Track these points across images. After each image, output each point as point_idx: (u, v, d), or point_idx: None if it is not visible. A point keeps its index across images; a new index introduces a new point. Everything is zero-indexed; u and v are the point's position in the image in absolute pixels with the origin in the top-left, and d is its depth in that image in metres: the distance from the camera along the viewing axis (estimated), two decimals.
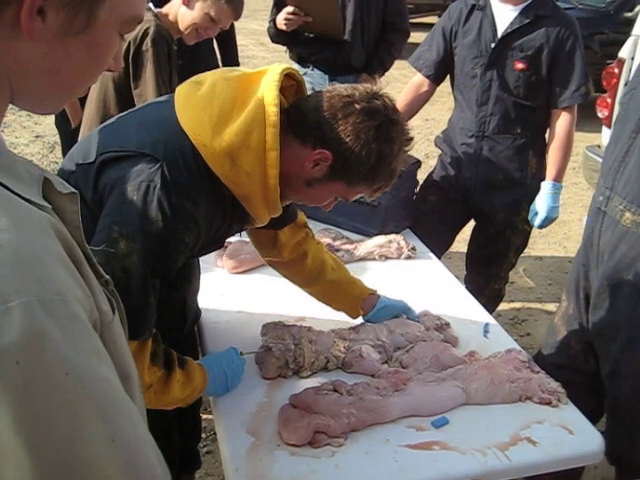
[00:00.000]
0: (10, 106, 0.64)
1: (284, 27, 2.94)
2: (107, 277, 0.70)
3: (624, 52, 4.03)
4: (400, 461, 1.33)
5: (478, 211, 2.65)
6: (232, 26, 2.87)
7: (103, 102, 2.27)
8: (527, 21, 2.36)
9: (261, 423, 1.41)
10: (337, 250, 2.15)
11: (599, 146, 4.13)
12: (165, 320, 1.33)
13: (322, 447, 1.35)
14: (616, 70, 4.04)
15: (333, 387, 1.48)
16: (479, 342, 1.76)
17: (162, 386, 1.30)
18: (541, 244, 4.27)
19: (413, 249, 2.26)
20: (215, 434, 2.25)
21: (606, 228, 1.72)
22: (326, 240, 2.17)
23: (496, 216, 2.58)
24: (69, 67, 0.62)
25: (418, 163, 2.52)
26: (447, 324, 1.78)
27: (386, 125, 1.26)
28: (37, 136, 5.40)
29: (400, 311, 1.78)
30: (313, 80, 3.09)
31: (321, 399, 1.42)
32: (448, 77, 2.64)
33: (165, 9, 2.27)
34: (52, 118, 3.69)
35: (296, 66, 3.07)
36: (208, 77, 1.29)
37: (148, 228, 1.17)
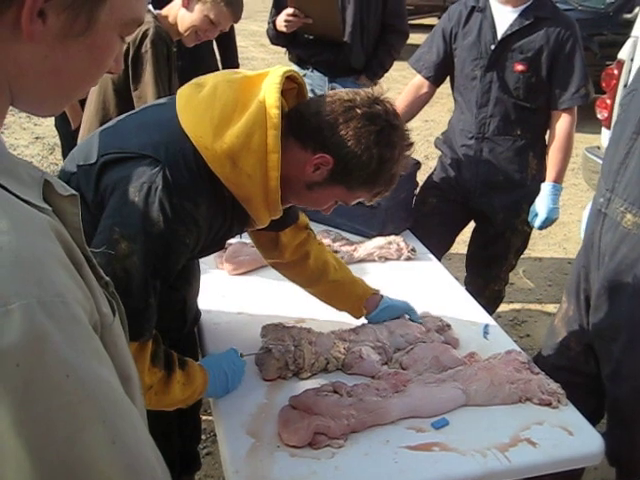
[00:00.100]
0: (10, 107, 0.64)
1: (284, 29, 2.94)
2: (107, 279, 0.70)
3: (623, 53, 4.03)
4: (400, 462, 1.33)
5: (478, 212, 2.65)
6: (232, 28, 2.87)
7: (102, 104, 2.28)
8: (527, 23, 2.36)
9: (261, 424, 1.41)
10: (336, 252, 2.15)
11: (598, 147, 4.13)
12: (165, 321, 1.34)
13: (322, 448, 1.35)
14: (615, 71, 4.04)
15: (333, 388, 1.48)
16: (479, 343, 1.76)
17: (162, 387, 1.30)
18: (541, 245, 4.27)
19: (413, 250, 2.26)
20: (215, 435, 2.25)
21: (607, 230, 1.72)
22: (326, 241, 2.18)
23: (496, 217, 2.58)
24: (69, 69, 0.62)
25: (418, 165, 2.52)
26: (448, 325, 1.78)
27: (387, 130, 1.27)
28: (37, 138, 5.41)
29: (403, 312, 1.78)
30: (313, 82, 3.09)
31: (321, 400, 1.42)
32: (448, 78, 2.65)
33: (165, 11, 2.28)
34: (52, 120, 3.70)
35: (295, 68, 3.07)
36: (209, 79, 1.29)
37: (149, 229, 1.18)
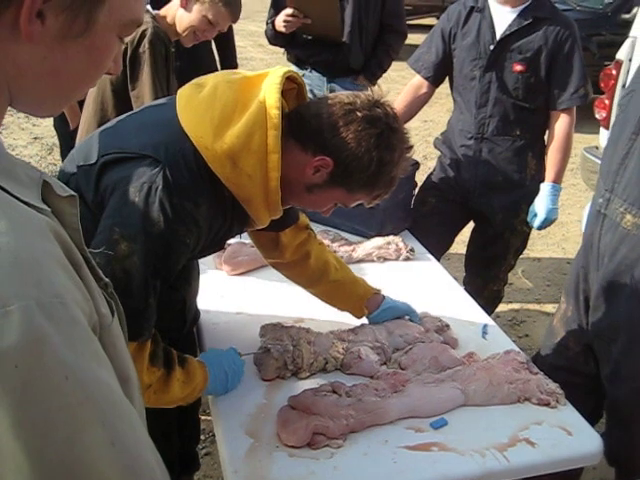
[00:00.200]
0: (8, 108, 0.64)
1: (283, 29, 2.94)
2: (106, 280, 0.70)
3: (622, 54, 4.03)
4: (399, 462, 1.33)
5: (477, 213, 2.65)
6: (230, 28, 2.88)
7: (101, 104, 2.28)
8: (526, 23, 2.36)
9: (260, 424, 1.41)
10: (335, 252, 2.15)
11: (597, 147, 4.13)
12: (165, 321, 1.34)
13: (321, 448, 1.35)
14: (614, 72, 4.04)
15: (332, 388, 1.48)
16: (478, 343, 1.76)
17: (162, 385, 1.30)
18: (539, 245, 4.27)
19: (411, 250, 2.26)
20: (214, 436, 2.25)
21: (606, 230, 1.72)
22: (324, 242, 2.17)
23: (495, 218, 2.58)
24: (68, 70, 0.62)
25: (417, 165, 2.52)
26: (447, 325, 1.78)
27: (387, 133, 1.27)
28: (35, 138, 5.40)
29: (404, 313, 1.79)
30: (311, 82, 3.09)
31: (320, 400, 1.42)
32: (447, 78, 2.65)
33: (163, 11, 2.28)
34: (50, 120, 3.70)
35: (294, 68, 3.07)
36: (210, 79, 1.30)
37: (150, 229, 1.18)
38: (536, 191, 2.43)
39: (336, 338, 1.64)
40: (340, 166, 1.27)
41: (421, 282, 2.10)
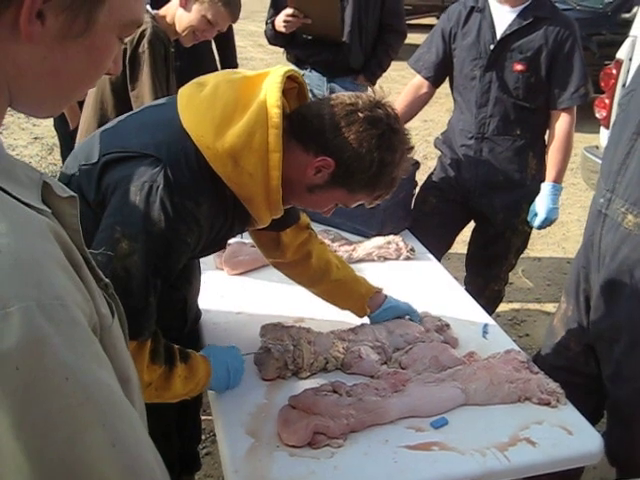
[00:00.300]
0: (8, 108, 0.64)
1: (283, 29, 2.94)
2: (106, 280, 0.70)
3: (622, 53, 4.03)
4: (399, 462, 1.33)
5: (478, 212, 2.65)
6: (230, 27, 2.88)
7: (100, 104, 2.28)
8: (526, 23, 2.36)
9: (260, 424, 1.41)
10: (335, 251, 2.15)
11: (597, 147, 4.13)
12: (166, 320, 1.34)
13: (321, 448, 1.35)
14: (614, 71, 4.04)
15: (332, 388, 1.48)
16: (478, 343, 1.76)
17: (163, 382, 1.30)
18: (540, 245, 4.27)
19: (412, 250, 2.26)
20: (214, 435, 2.24)
21: (607, 231, 1.72)
22: (325, 241, 2.17)
23: (496, 217, 2.58)
24: (68, 71, 0.62)
25: (417, 164, 2.52)
26: (447, 325, 1.78)
27: (388, 134, 1.28)
28: (36, 138, 5.40)
29: (404, 312, 1.79)
30: (311, 82, 3.09)
31: (320, 400, 1.42)
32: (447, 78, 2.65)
33: (162, 11, 2.28)
34: (51, 120, 3.69)
35: (294, 68, 3.06)
36: (211, 79, 1.30)
37: (151, 228, 1.18)
38: (537, 191, 2.43)
39: (336, 338, 1.64)
40: (341, 167, 1.28)
41: (421, 282, 2.10)
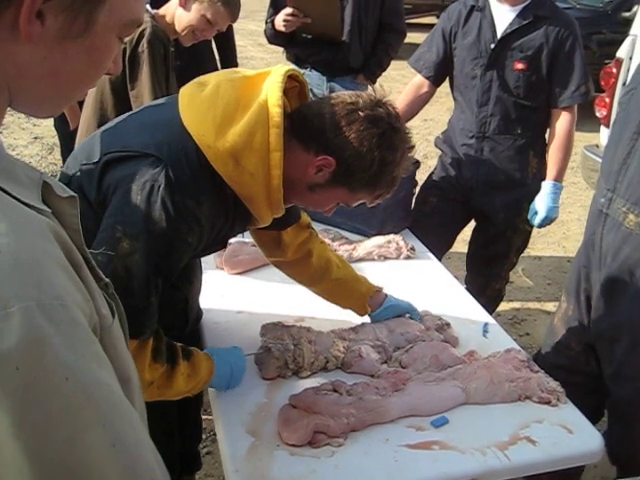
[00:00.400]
0: (8, 108, 0.64)
1: (283, 28, 2.94)
2: (107, 280, 0.70)
3: (622, 52, 4.03)
4: (400, 461, 1.33)
5: (479, 212, 2.65)
6: (230, 27, 2.87)
7: (100, 103, 2.28)
8: (526, 21, 2.36)
9: (261, 423, 1.41)
10: (336, 251, 2.15)
11: (597, 146, 4.13)
12: (167, 320, 1.34)
13: (322, 447, 1.35)
14: (614, 70, 4.04)
15: (333, 387, 1.48)
16: (478, 342, 1.76)
17: (165, 381, 1.30)
18: (540, 244, 4.27)
19: (412, 249, 2.26)
20: (215, 435, 2.25)
21: (608, 230, 1.72)
22: (325, 241, 2.17)
23: (497, 216, 2.58)
24: (68, 71, 0.62)
25: (417, 163, 2.52)
26: (448, 324, 1.78)
27: (389, 133, 1.28)
28: (36, 138, 5.40)
29: (405, 311, 1.79)
30: (311, 81, 3.09)
31: (321, 399, 1.42)
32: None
33: (162, 10, 2.27)
34: (51, 120, 3.69)
35: (294, 67, 3.06)
36: (212, 78, 1.30)
37: (152, 228, 1.18)
38: (538, 189, 2.42)
39: (337, 337, 1.65)
40: (342, 166, 1.28)
41: (422, 281, 2.10)
